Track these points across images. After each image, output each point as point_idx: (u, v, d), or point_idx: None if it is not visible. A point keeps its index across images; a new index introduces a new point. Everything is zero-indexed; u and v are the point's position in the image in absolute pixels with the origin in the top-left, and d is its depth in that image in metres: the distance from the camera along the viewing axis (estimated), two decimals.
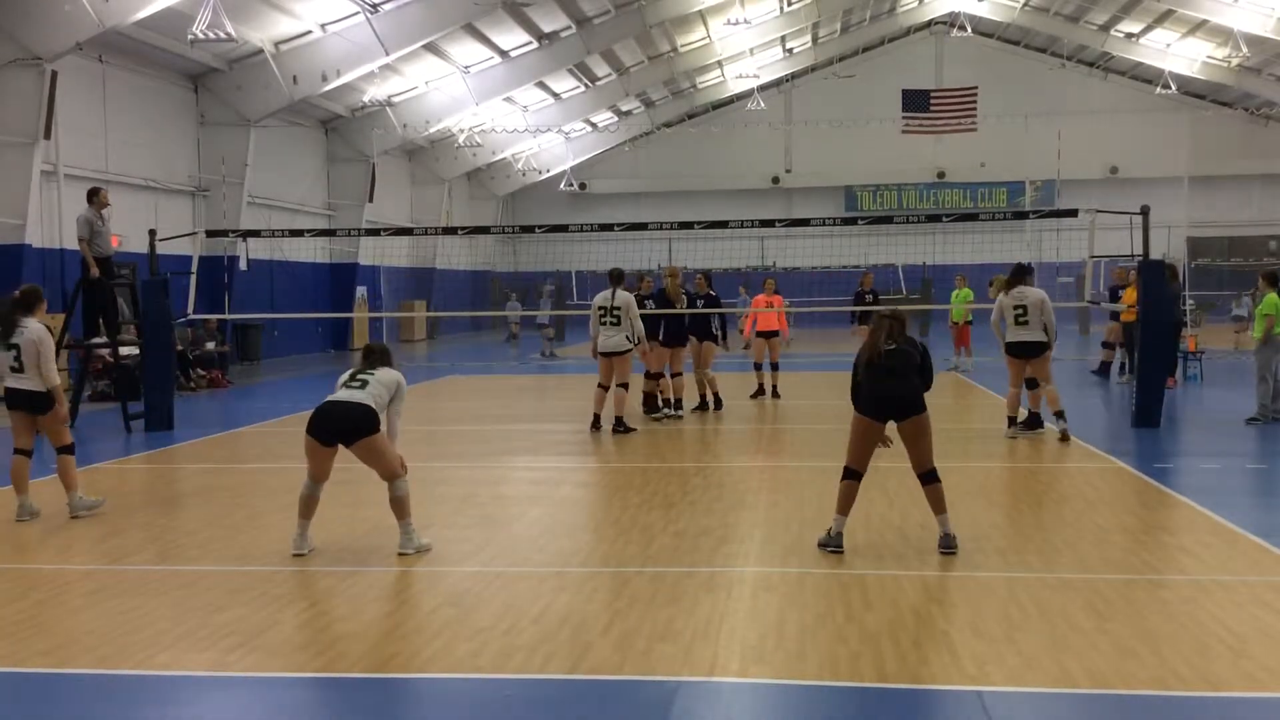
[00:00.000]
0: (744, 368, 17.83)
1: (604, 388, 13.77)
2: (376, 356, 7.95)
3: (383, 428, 7.64)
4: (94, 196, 14.95)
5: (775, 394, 16.88)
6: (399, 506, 7.71)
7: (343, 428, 7.54)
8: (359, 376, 7.76)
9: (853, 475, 7.61)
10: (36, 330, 8.93)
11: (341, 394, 7.65)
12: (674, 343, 14.98)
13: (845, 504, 7.59)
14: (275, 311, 27.46)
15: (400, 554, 7.63)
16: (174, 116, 25.11)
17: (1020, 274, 12.73)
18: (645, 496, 9.68)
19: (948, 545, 7.44)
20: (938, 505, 7.54)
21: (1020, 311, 12.36)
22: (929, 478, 7.56)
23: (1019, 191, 42.73)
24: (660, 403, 14.95)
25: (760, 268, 40.87)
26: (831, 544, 7.54)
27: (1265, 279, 14.30)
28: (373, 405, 7.57)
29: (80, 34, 19.18)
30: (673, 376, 15.00)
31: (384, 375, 7.80)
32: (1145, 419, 13.31)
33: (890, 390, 7.47)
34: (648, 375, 15.02)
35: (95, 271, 14.62)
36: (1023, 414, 12.86)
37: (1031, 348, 12.39)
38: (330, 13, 24.73)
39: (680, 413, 14.93)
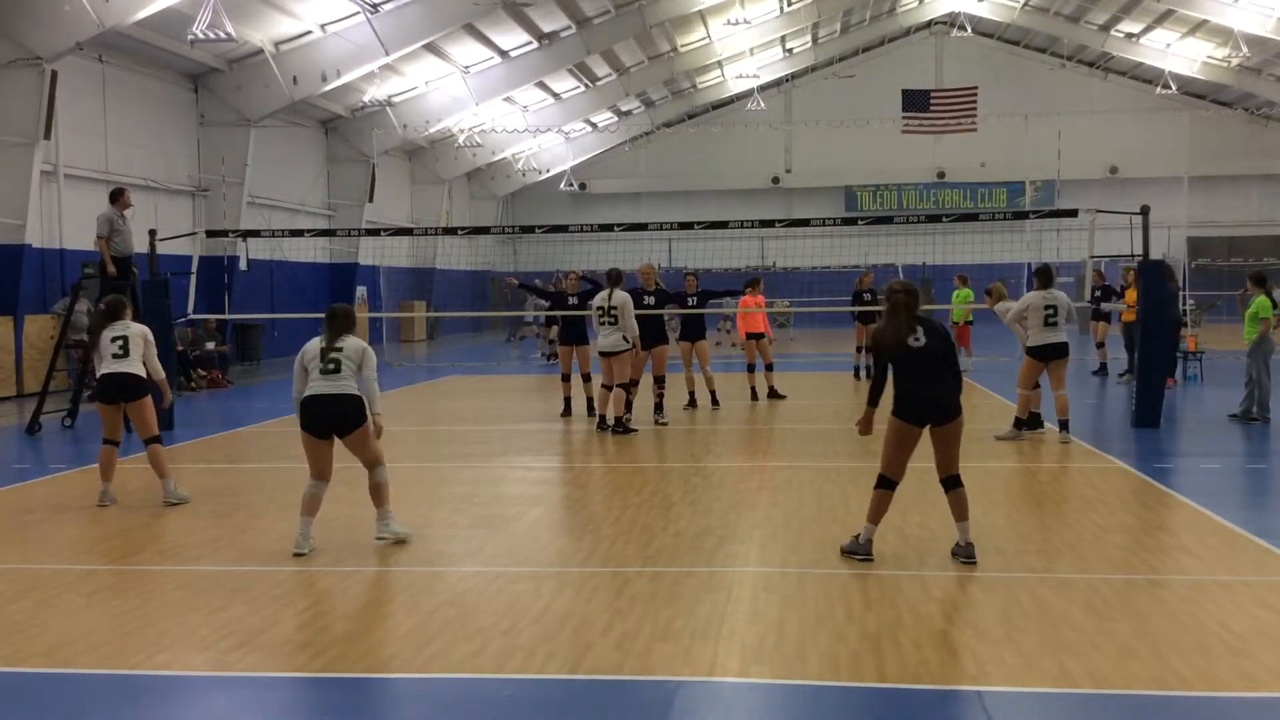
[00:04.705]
0: (738, 368, 17.77)
1: (608, 388, 13.79)
2: (340, 321, 7.91)
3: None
4: (118, 197, 15.11)
5: (777, 394, 16.89)
6: (379, 493, 7.88)
7: (336, 420, 7.72)
8: (330, 357, 7.75)
9: (888, 484, 7.21)
10: (140, 327, 9.74)
11: (323, 385, 7.71)
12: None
13: (877, 513, 7.22)
14: (275, 311, 27.43)
15: (378, 539, 7.76)
16: (174, 116, 25.09)
17: (1049, 274, 12.68)
18: (645, 496, 9.68)
19: (968, 555, 7.14)
20: (960, 511, 7.23)
21: (1051, 312, 12.29)
22: (953, 482, 7.23)
23: (1019, 191, 42.70)
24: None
25: (761, 268, 40.89)
26: (860, 551, 7.19)
27: (1253, 280, 14.33)
28: (360, 393, 7.75)
29: (80, 34, 19.18)
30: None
31: (351, 349, 7.80)
32: (1145, 419, 13.33)
33: (930, 394, 7.08)
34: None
35: (112, 270, 14.73)
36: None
37: (1061, 349, 12.37)
38: (330, 13, 24.71)
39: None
